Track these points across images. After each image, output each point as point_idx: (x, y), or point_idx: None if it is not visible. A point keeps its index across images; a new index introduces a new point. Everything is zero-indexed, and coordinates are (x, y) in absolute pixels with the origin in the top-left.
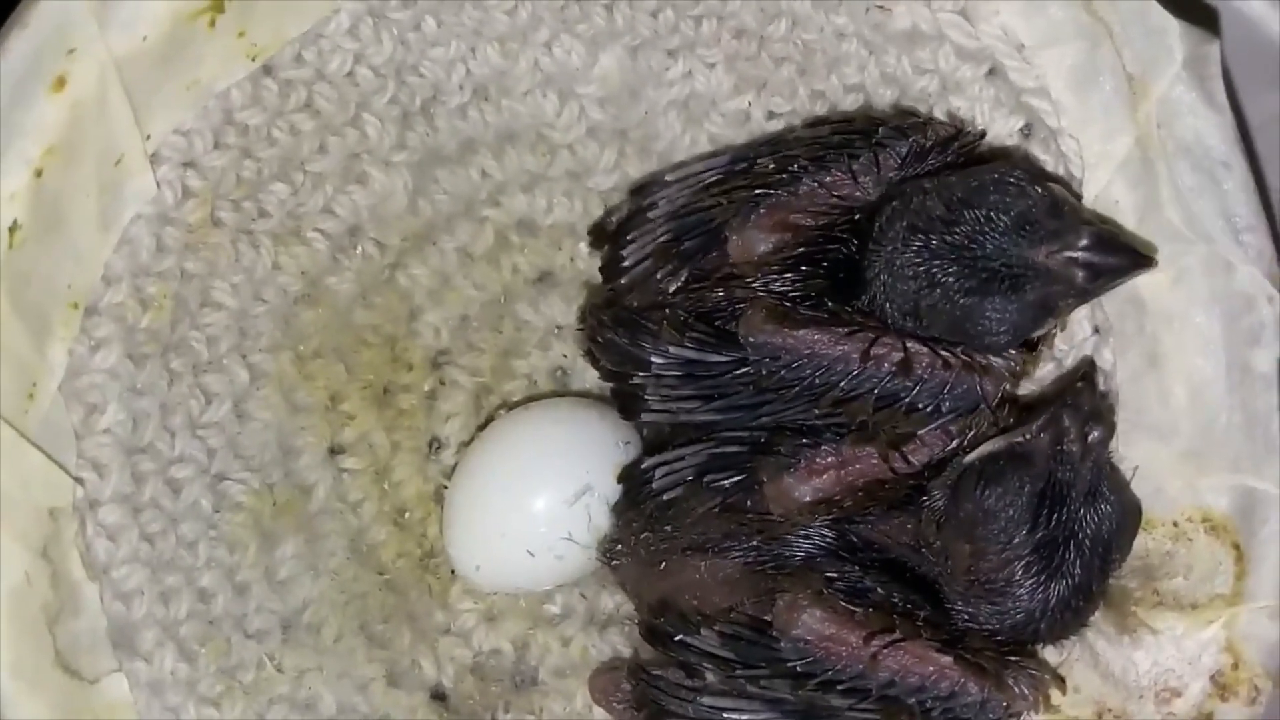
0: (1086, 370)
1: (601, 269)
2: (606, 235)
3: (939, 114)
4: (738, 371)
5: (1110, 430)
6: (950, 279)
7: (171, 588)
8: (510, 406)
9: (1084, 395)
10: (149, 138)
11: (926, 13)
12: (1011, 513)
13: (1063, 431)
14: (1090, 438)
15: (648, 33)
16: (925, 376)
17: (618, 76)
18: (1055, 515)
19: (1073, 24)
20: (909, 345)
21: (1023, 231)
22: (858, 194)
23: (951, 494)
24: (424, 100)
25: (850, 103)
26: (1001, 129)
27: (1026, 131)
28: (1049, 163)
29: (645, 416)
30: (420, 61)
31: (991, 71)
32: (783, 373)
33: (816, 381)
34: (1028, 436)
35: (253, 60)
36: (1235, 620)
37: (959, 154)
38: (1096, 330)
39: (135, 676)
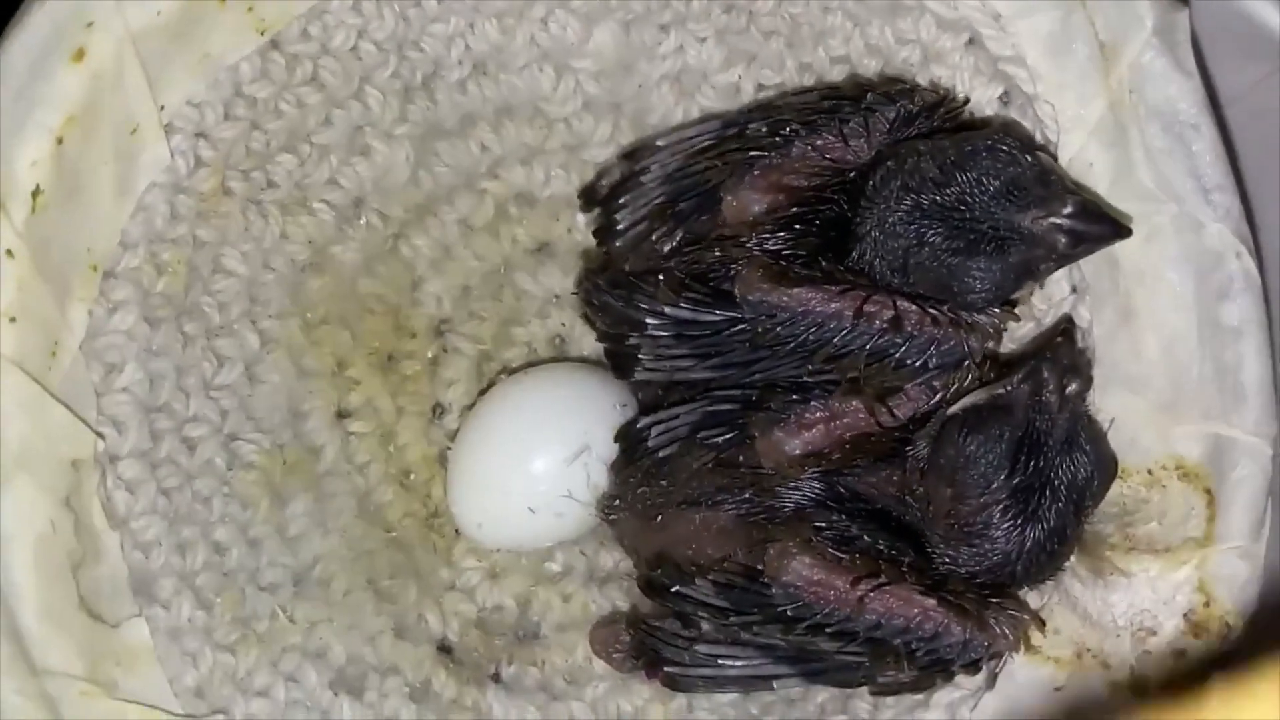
0: (1066, 326)
1: (595, 232)
2: (598, 198)
3: (922, 83)
4: (732, 329)
5: (1087, 383)
6: (939, 239)
7: (188, 540)
8: (510, 372)
9: (1062, 349)
10: (163, 109)
11: None
12: (991, 459)
13: (1041, 383)
14: (1068, 390)
15: (640, 8)
16: (914, 333)
17: (612, 51)
18: (1032, 462)
19: None
20: (899, 303)
21: (1011, 197)
22: (848, 156)
23: (935, 442)
24: (425, 75)
25: (837, 74)
26: (981, 96)
27: (1005, 98)
28: (1026, 127)
29: (639, 375)
30: (421, 37)
31: (970, 41)
32: (778, 330)
33: (810, 339)
34: (1009, 388)
35: (261, 35)
36: (1206, 561)
37: (944, 119)
38: (1074, 289)
39: (155, 622)
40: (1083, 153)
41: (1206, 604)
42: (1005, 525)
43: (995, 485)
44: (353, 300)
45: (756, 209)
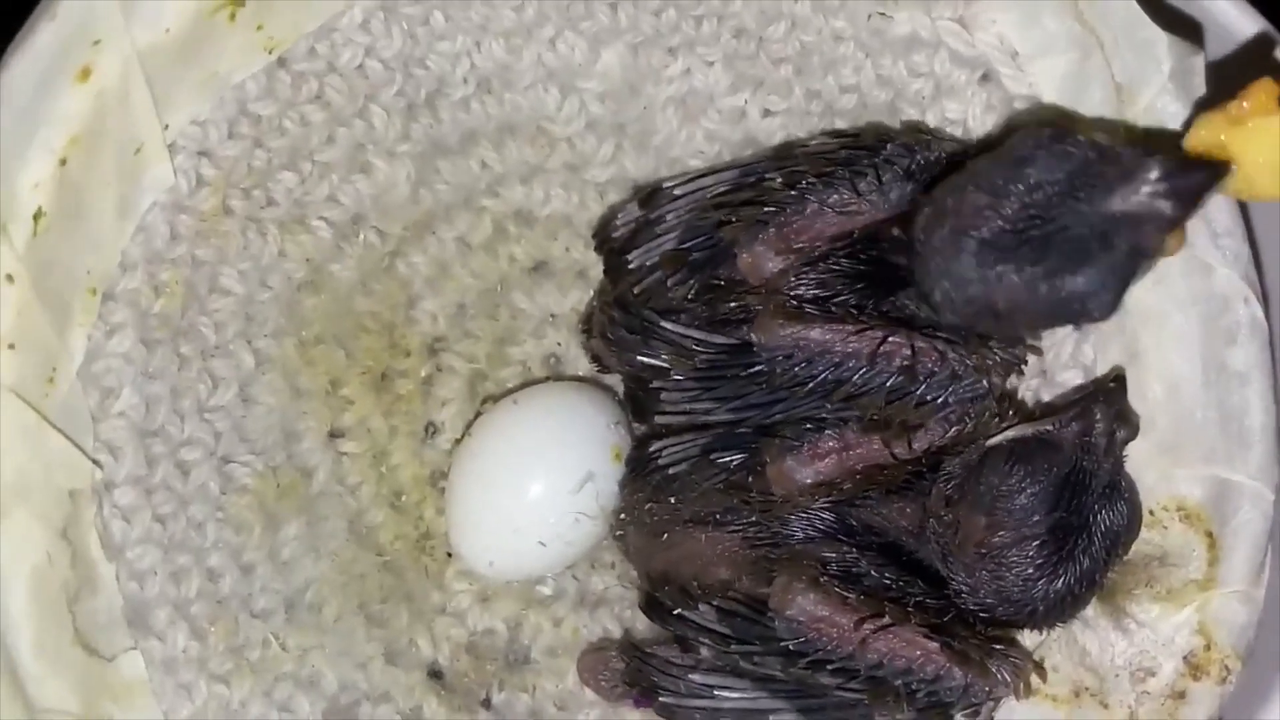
0: (1119, 374)
1: (605, 271)
2: (614, 245)
3: (931, 116)
4: (751, 372)
5: (1134, 432)
6: (1026, 265)
7: (182, 568)
8: (498, 398)
9: (1116, 394)
10: (167, 128)
11: (926, 20)
12: (1035, 491)
13: (1092, 424)
14: (1117, 435)
15: (649, 31)
16: (935, 369)
17: (618, 72)
18: (1075, 502)
19: (1066, 35)
20: (916, 342)
21: (1084, 188)
22: (864, 210)
23: (975, 469)
24: (429, 92)
25: (845, 102)
26: (992, 132)
27: None
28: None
29: (659, 420)
30: (427, 54)
31: (985, 77)
32: (795, 370)
33: (829, 378)
34: (1057, 426)
35: (269, 53)
36: (1208, 604)
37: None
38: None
39: (150, 654)
40: None
41: (1207, 647)
42: (1039, 561)
43: (1036, 519)
44: (348, 318)
45: (771, 266)
